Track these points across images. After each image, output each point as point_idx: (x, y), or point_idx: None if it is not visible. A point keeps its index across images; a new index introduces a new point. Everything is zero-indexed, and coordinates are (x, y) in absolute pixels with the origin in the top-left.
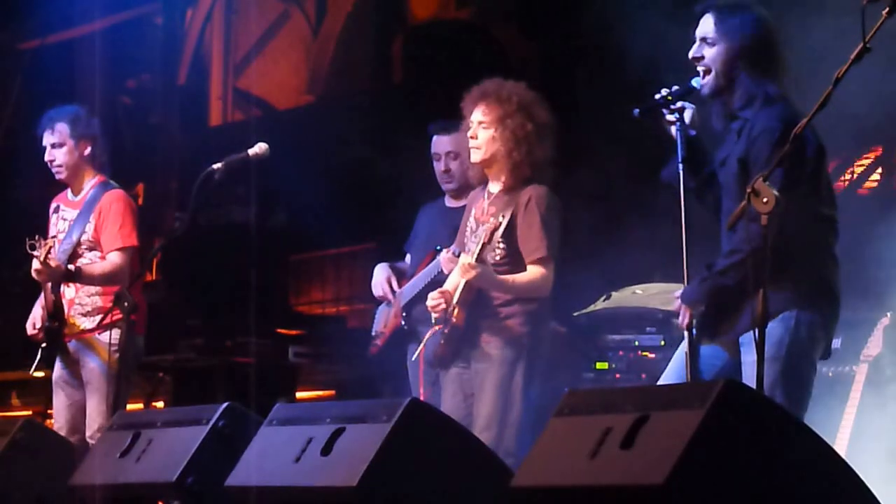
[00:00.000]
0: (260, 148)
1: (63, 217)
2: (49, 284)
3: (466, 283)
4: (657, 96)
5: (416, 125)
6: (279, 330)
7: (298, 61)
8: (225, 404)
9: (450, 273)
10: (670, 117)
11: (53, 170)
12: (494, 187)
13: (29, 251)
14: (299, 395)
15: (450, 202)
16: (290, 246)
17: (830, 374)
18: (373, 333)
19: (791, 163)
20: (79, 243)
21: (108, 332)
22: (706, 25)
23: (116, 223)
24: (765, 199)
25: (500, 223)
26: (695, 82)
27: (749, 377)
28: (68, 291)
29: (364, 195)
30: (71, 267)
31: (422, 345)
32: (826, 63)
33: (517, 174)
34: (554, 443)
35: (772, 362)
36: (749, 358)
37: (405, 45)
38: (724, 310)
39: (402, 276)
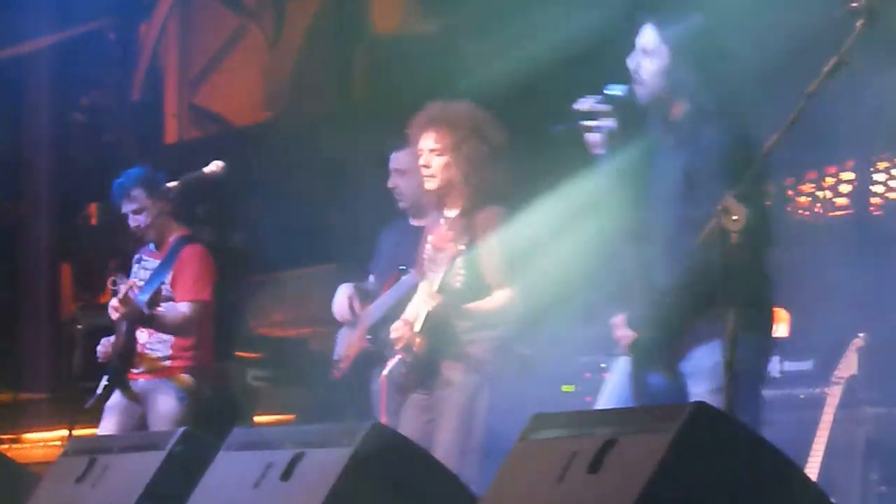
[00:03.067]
0: (216, 166)
1: (145, 267)
2: (124, 325)
3: (429, 312)
4: (574, 108)
5: (378, 142)
6: (238, 353)
7: (256, 76)
8: (182, 429)
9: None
10: (591, 130)
11: (140, 234)
12: (451, 212)
13: (111, 287)
14: (258, 419)
15: (413, 220)
16: (249, 266)
17: (802, 397)
18: (335, 358)
19: (753, 181)
20: (158, 292)
21: (179, 378)
22: (647, 37)
23: (192, 276)
24: (735, 217)
25: (461, 250)
26: (612, 90)
27: None
28: (141, 336)
29: (325, 214)
30: (147, 311)
31: (384, 372)
32: None
33: (474, 198)
34: (520, 467)
35: (718, 393)
36: (697, 389)
37: (367, 60)
38: (665, 335)
39: (366, 298)
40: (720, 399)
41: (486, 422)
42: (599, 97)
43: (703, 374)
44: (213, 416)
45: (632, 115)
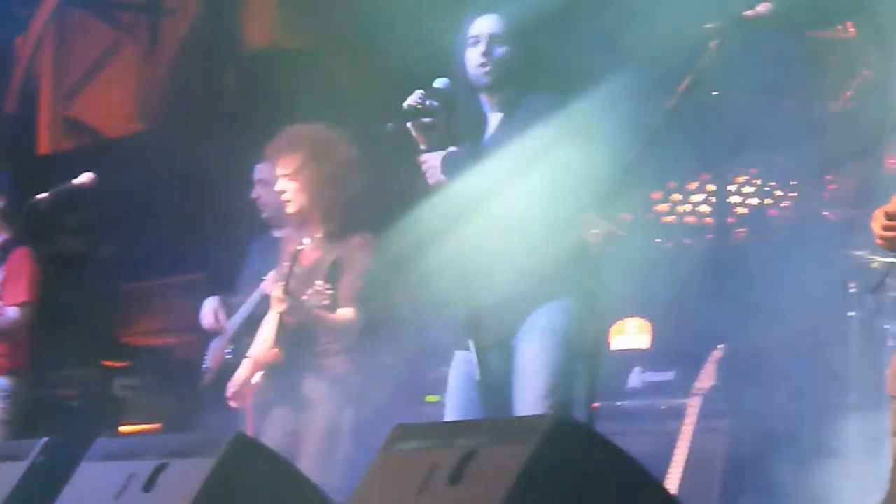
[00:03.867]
0: (87, 177)
1: None
2: None
3: (281, 321)
4: (405, 106)
5: (248, 155)
6: (104, 362)
7: (130, 89)
8: (44, 439)
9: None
10: (420, 126)
11: None
12: (318, 233)
13: None
14: (125, 428)
15: (276, 231)
16: (118, 276)
17: (664, 408)
18: (203, 368)
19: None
20: None
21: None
22: (492, 23)
23: (23, 280)
24: (595, 231)
25: (299, 250)
26: (438, 83)
27: (524, 363)
28: None
29: (194, 225)
30: None
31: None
32: None
33: (334, 219)
34: (381, 478)
35: (551, 349)
36: (525, 345)
37: (239, 74)
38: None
39: (232, 310)
40: (547, 359)
41: (350, 433)
42: (424, 92)
43: (533, 332)
44: (78, 424)
45: (453, 108)
